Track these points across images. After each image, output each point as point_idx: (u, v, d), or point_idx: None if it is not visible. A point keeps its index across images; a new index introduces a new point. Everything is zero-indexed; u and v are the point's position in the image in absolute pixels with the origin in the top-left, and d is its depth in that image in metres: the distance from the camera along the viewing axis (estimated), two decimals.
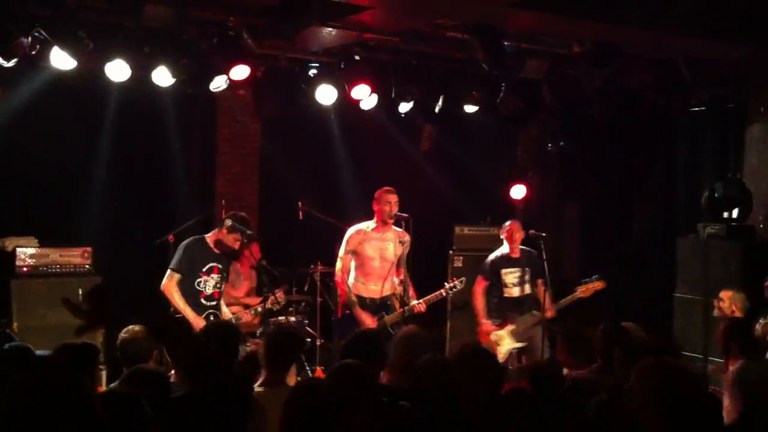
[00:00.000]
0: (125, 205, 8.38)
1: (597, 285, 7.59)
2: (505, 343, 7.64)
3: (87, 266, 7.46)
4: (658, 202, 9.70)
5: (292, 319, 7.78)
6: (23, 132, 7.56)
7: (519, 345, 7.67)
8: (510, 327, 7.71)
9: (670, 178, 9.49)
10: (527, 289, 7.82)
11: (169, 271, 6.52)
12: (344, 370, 3.62)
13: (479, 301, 7.88)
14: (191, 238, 6.68)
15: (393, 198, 6.92)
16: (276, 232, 8.95)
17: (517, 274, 7.81)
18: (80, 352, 4.12)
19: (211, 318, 6.55)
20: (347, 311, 6.93)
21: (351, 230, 7.02)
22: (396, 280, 7.07)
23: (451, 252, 9.31)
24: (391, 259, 6.97)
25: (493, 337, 7.66)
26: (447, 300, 9.12)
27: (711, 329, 7.14)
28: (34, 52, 6.36)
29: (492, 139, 10.11)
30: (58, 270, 7.33)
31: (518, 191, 10.24)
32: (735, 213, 7.91)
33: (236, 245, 6.68)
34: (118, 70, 6.73)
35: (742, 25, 6.69)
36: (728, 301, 6.57)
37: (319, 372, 7.47)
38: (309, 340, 8.00)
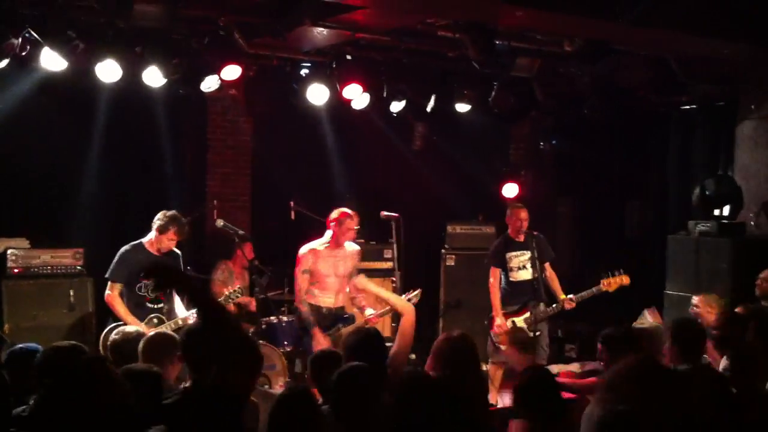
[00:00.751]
0: (117, 206, 8.36)
1: (622, 279, 7.49)
2: None
3: (78, 267, 7.45)
4: (651, 200, 9.73)
5: (285, 319, 7.78)
6: (14, 133, 7.53)
7: (532, 335, 7.53)
8: (525, 314, 7.61)
9: (662, 175, 9.51)
10: (536, 273, 7.58)
11: (108, 282, 6.59)
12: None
13: (495, 293, 7.73)
14: (127, 246, 6.73)
15: (354, 224, 6.94)
16: (268, 232, 8.95)
17: (523, 256, 7.66)
18: (69, 353, 4.11)
19: (155, 321, 6.58)
20: (304, 327, 6.94)
21: (303, 250, 6.99)
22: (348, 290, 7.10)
23: (443, 250, 9.32)
24: (344, 275, 7.02)
25: (508, 323, 7.54)
26: (440, 299, 9.16)
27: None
28: (24, 53, 6.34)
29: (484, 137, 10.10)
30: (49, 271, 7.31)
31: (511, 189, 10.23)
32: (726, 210, 7.94)
33: (171, 245, 6.71)
34: (108, 71, 6.71)
35: (734, 22, 6.69)
36: (702, 306, 6.55)
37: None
38: None
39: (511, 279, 7.75)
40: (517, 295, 7.70)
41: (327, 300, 7.01)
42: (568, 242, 10.42)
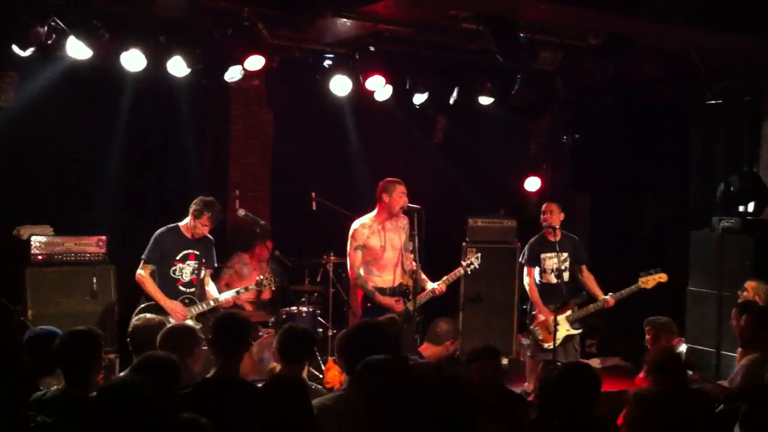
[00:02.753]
0: (140, 195, 8.43)
1: (660, 277, 7.44)
2: (561, 328, 7.51)
3: (101, 255, 7.50)
4: (671, 196, 9.66)
5: (305, 309, 7.80)
6: (39, 121, 7.60)
7: (575, 332, 7.63)
8: (567, 312, 7.60)
9: (682, 171, 9.44)
10: (566, 276, 7.63)
11: (141, 262, 6.68)
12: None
13: (534, 292, 7.75)
14: (163, 228, 6.81)
15: (404, 189, 6.90)
16: (289, 223, 8.98)
17: (558, 259, 7.59)
18: (84, 338, 4.15)
19: (186, 301, 6.67)
20: (369, 304, 6.89)
21: (355, 225, 6.97)
22: (405, 268, 7.09)
23: (464, 244, 9.29)
24: (399, 247, 6.99)
25: (550, 321, 7.49)
26: (460, 292, 9.15)
27: (724, 323, 7.13)
28: (50, 42, 6.40)
29: (505, 130, 10.08)
30: (72, 258, 7.37)
31: (533, 183, 10.21)
32: (750, 207, 7.87)
33: (205, 231, 6.78)
34: (133, 60, 6.77)
35: (756, 16, 6.62)
36: (752, 291, 6.52)
37: (331, 362, 7.49)
38: (321, 330, 8.03)
39: (544, 280, 7.75)
40: (550, 295, 7.66)
41: (387, 278, 6.95)
42: (586, 237, 10.37)
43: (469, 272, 7.38)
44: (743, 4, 6.54)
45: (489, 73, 8.17)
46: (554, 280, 7.57)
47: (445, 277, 7.14)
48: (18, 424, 3.52)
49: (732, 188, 7.87)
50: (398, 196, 6.85)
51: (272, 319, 7.71)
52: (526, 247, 7.92)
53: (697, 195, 9.13)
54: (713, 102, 8.71)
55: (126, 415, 3.02)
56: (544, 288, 7.72)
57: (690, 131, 9.27)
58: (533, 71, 7.83)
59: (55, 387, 4.08)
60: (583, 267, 7.76)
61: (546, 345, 7.59)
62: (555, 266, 7.55)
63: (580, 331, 7.65)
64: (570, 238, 7.79)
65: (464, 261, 7.29)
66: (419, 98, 8.25)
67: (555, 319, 7.35)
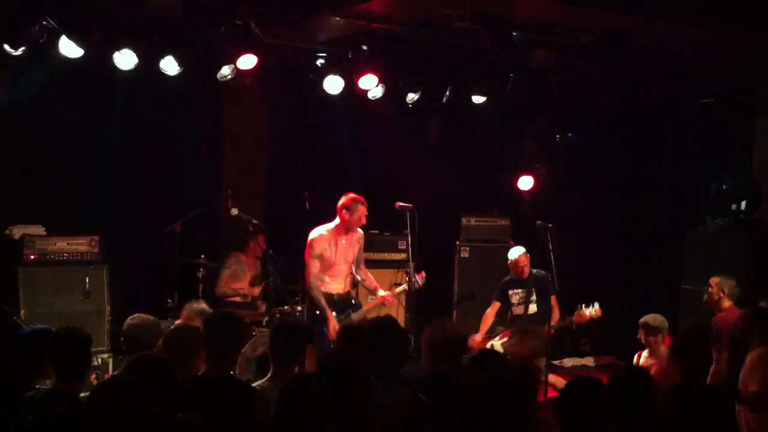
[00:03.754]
0: (132, 194, 8.40)
1: (594, 312, 7.45)
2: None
3: (94, 254, 7.48)
4: (665, 194, 9.66)
5: (299, 308, 7.78)
6: (31, 120, 7.58)
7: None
8: (503, 338, 7.78)
9: (676, 170, 9.45)
10: (532, 308, 7.90)
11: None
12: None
13: (486, 320, 8.02)
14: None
15: (365, 210, 6.98)
16: (282, 222, 8.96)
17: (521, 294, 7.94)
18: (71, 336, 4.14)
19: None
20: (317, 312, 6.97)
21: (313, 234, 7.04)
22: (356, 277, 7.30)
23: (458, 242, 9.30)
24: (351, 260, 7.15)
25: (487, 345, 7.72)
26: (454, 291, 9.15)
27: None
28: (42, 41, 6.38)
29: (499, 129, 10.08)
30: (65, 258, 7.35)
31: (526, 182, 10.21)
32: (743, 205, 7.88)
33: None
34: (125, 59, 6.75)
35: (751, 14, 6.63)
36: (716, 287, 6.53)
37: None
38: None
39: (514, 312, 7.96)
40: (516, 323, 7.92)
41: (337, 286, 7.10)
42: (580, 236, 10.38)
43: (413, 289, 7.33)
44: (738, 2, 6.55)
45: (482, 72, 8.17)
46: (520, 312, 7.91)
47: (395, 290, 7.28)
48: (9, 423, 3.51)
49: (725, 186, 7.87)
50: (357, 218, 6.98)
51: (266, 318, 7.68)
52: (501, 283, 8.09)
53: (690, 193, 9.13)
54: (707, 100, 8.71)
55: (119, 416, 3.00)
56: (514, 319, 7.95)
57: (684, 130, 9.27)
58: (527, 70, 7.83)
59: (48, 382, 4.06)
60: (552, 298, 7.83)
61: None
62: (519, 300, 7.92)
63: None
64: (535, 275, 7.93)
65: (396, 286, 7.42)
66: (412, 97, 8.23)
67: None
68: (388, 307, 7.27)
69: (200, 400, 3.88)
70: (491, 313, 8.04)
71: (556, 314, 7.76)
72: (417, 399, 3.96)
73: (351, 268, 7.20)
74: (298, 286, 8.10)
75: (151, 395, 3.30)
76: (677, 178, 9.44)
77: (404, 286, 7.28)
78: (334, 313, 6.92)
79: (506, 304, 7.99)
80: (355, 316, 7.02)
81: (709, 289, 6.57)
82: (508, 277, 8.05)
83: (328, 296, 7.01)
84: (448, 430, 3.56)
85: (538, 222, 8.08)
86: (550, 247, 7.75)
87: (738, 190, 7.83)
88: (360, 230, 7.18)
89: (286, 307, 7.76)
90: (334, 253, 7.01)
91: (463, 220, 9.35)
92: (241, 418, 3.90)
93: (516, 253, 7.93)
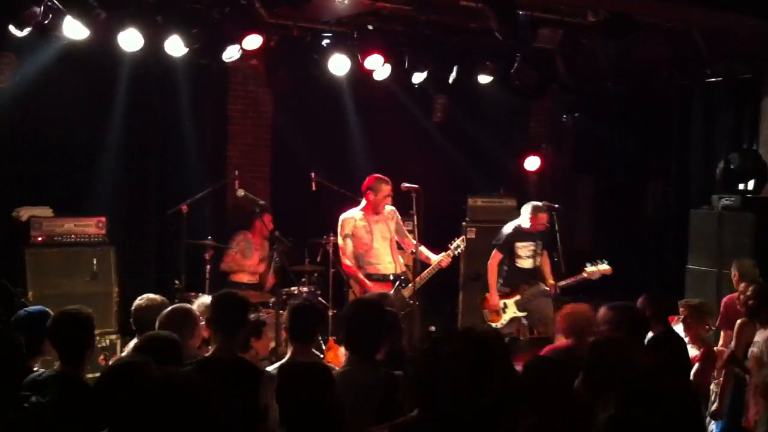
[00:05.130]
0: (139, 175, 8.40)
1: (605, 270, 7.69)
2: (508, 311, 7.97)
3: (101, 236, 7.50)
4: (672, 175, 9.63)
5: (305, 290, 7.81)
6: (37, 102, 7.56)
7: (521, 314, 7.96)
8: (516, 297, 7.97)
9: (684, 150, 9.41)
10: (539, 261, 8.02)
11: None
12: None
13: (493, 274, 8.07)
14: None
15: (389, 189, 6.98)
16: (288, 203, 8.97)
17: (531, 247, 7.98)
18: (75, 317, 4.15)
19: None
20: (365, 291, 7.01)
21: (344, 216, 7.19)
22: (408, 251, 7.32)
23: (464, 223, 9.30)
24: (389, 237, 7.16)
25: (500, 304, 7.95)
26: (460, 272, 9.16)
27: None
28: (46, 22, 6.35)
29: (505, 110, 10.05)
30: (72, 240, 7.37)
31: (532, 163, 10.20)
32: (750, 185, 7.86)
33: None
34: (130, 40, 6.72)
35: None
36: (733, 271, 6.59)
37: (332, 342, 7.50)
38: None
39: (517, 265, 8.02)
40: (516, 280, 8.04)
41: (386, 266, 7.16)
42: (587, 218, 10.37)
43: (458, 253, 7.48)
44: None
45: (489, 52, 8.12)
46: (527, 266, 7.98)
47: (439, 257, 7.32)
48: (12, 404, 3.53)
49: (732, 166, 7.86)
50: (382, 197, 7.04)
51: (273, 299, 7.70)
52: (502, 235, 8.10)
53: (697, 174, 9.11)
54: (713, 80, 8.66)
55: (133, 394, 2.99)
56: (515, 272, 8.02)
57: (691, 111, 9.23)
58: (533, 50, 7.79)
59: (56, 365, 4.08)
60: (544, 251, 8.00)
61: (493, 325, 7.95)
62: (529, 254, 7.97)
63: (524, 314, 7.99)
64: (543, 231, 7.97)
65: (451, 245, 7.41)
66: (418, 77, 8.21)
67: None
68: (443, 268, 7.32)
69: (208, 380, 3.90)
70: (495, 264, 8.07)
71: (547, 270, 7.98)
72: (393, 377, 4.00)
73: (394, 244, 7.19)
74: (304, 268, 8.13)
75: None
76: (684, 159, 9.40)
77: (458, 243, 7.36)
78: (391, 291, 6.93)
79: (509, 257, 8.02)
80: (406, 292, 7.08)
81: (732, 275, 6.63)
82: (512, 229, 8.04)
83: (383, 277, 7.09)
84: None
85: (545, 203, 8.09)
86: (557, 227, 7.76)
87: (745, 169, 7.81)
88: (389, 206, 7.19)
89: (293, 289, 7.79)
90: (368, 232, 7.04)
91: (470, 201, 9.35)
92: (250, 400, 3.92)
93: (542, 208, 7.88)
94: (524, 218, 7.98)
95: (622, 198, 10.10)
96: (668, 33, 7.77)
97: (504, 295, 8.03)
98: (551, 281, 7.83)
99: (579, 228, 10.43)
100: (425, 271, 7.25)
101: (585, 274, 7.73)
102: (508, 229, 8.10)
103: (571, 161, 10.77)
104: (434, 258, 7.31)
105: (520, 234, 7.99)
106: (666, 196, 9.71)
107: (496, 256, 8.08)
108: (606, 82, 8.50)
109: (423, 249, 7.31)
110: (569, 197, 8.68)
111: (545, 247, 8.02)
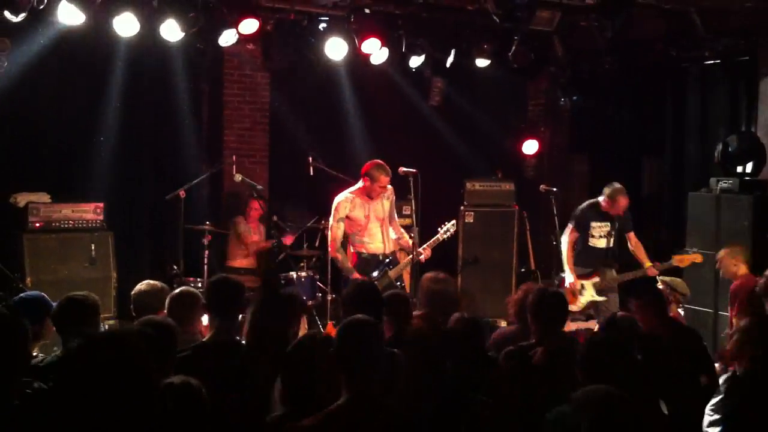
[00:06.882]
0: (136, 161, 8.40)
1: (695, 257, 7.48)
2: (586, 294, 7.65)
3: (99, 221, 7.50)
4: (668, 157, 9.62)
5: (303, 274, 7.82)
6: (33, 88, 7.54)
7: (600, 299, 7.65)
8: (595, 279, 7.68)
9: (679, 132, 9.39)
10: (612, 242, 7.73)
11: None
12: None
13: (569, 252, 7.79)
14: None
15: (387, 180, 6.92)
16: (286, 188, 8.97)
17: (607, 228, 7.72)
18: (82, 303, 4.15)
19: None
20: (350, 277, 6.91)
21: (338, 198, 7.02)
22: (393, 236, 7.16)
23: (462, 207, 9.29)
24: (382, 217, 7.05)
25: (577, 285, 7.63)
26: (458, 255, 9.16)
27: (721, 283, 7.15)
28: (41, 7, 6.32)
29: (502, 92, 10.02)
30: (70, 225, 7.38)
31: (531, 146, 10.18)
32: (748, 167, 7.85)
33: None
34: (126, 24, 6.71)
35: None
36: (729, 258, 6.63)
37: (330, 327, 7.52)
38: (320, 295, 8.06)
39: (589, 244, 7.76)
40: (590, 259, 7.73)
41: (377, 246, 7.04)
42: (585, 198, 10.35)
43: (447, 237, 7.33)
44: None
45: (486, 35, 8.10)
46: (600, 245, 7.68)
47: (426, 244, 7.13)
48: (15, 390, 3.52)
49: (730, 148, 7.83)
50: (379, 186, 6.90)
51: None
52: (577, 212, 7.87)
53: (695, 156, 9.09)
54: (711, 62, 8.63)
55: (107, 366, 2.69)
56: (588, 251, 7.74)
57: (687, 92, 9.20)
58: (531, 32, 7.77)
59: (56, 350, 4.09)
60: (631, 234, 7.76)
61: (570, 308, 7.61)
62: (603, 233, 7.69)
63: (604, 299, 7.63)
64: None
65: (441, 228, 7.27)
66: (415, 61, 8.18)
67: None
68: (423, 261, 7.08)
69: (206, 364, 3.91)
70: (571, 241, 7.79)
71: (641, 253, 7.69)
72: (396, 357, 4.01)
73: (387, 224, 7.11)
74: (302, 252, 8.14)
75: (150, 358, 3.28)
76: (681, 140, 9.38)
77: (447, 227, 7.23)
78: (375, 274, 6.89)
79: (583, 235, 7.77)
80: (392, 273, 7.00)
81: (723, 262, 6.58)
82: (585, 207, 7.82)
83: (372, 257, 7.00)
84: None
85: (543, 186, 8.08)
86: (554, 210, 7.75)
87: (743, 151, 7.79)
88: (390, 186, 7.09)
89: (291, 273, 7.80)
90: (363, 210, 6.95)
91: (468, 185, 9.32)
92: (248, 383, 3.93)
93: (624, 192, 7.71)
94: (604, 199, 7.73)
95: (619, 179, 10.06)
96: (665, 12, 7.73)
97: (581, 276, 7.71)
98: (648, 263, 7.57)
99: (574, 207, 10.42)
100: (401, 263, 7.10)
101: (675, 262, 7.49)
102: (583, 206, 7.91)
103: (568, 141, 10.74)
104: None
105: (597, 214, 7.76)
106: (662, 177, 9.69)
107: (572, 235, 7.81)
108: (603, 62, 8.47)
109: (408, 238, 7.20)
110: (566, 178, 8.63)
111: (625, 231, 7.78)
